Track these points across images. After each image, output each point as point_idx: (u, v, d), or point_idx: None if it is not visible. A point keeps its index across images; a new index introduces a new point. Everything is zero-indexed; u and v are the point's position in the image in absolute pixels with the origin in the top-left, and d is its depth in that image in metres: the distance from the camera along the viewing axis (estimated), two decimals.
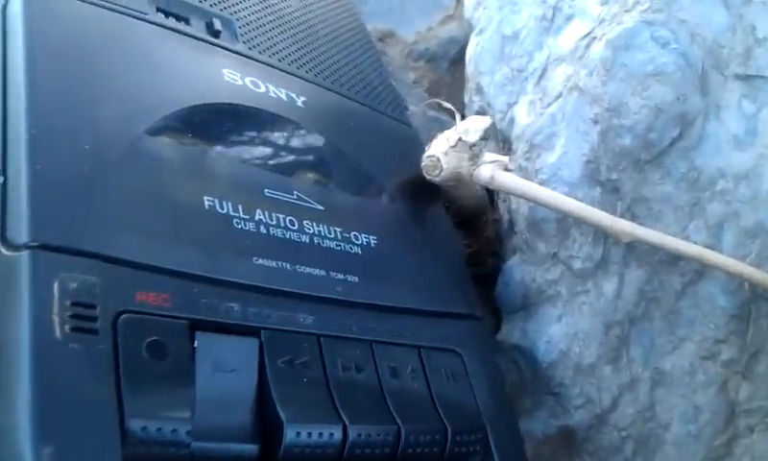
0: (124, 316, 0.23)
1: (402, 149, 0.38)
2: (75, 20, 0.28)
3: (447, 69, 0.61)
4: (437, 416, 0.29)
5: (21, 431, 0.19)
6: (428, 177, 0.37)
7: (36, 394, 0.20)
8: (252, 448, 0.24)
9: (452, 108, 0.43)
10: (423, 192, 0.37)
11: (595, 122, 0.38)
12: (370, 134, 0.37)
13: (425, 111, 0.51)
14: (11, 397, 0.20)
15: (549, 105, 0.42)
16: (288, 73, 0.35)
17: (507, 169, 0.37)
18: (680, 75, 0.37)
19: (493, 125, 0.38)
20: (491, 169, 0.36)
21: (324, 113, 0.35)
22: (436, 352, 0.31)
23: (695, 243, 0.38)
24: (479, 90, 0.49)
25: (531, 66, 0.45)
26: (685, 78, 0.37)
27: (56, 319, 0.21)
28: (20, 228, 0.22)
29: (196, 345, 0.24)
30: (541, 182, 0.39)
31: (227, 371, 0.24)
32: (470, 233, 0.48)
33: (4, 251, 0.22)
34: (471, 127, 0.37)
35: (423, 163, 0.37)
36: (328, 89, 0.37)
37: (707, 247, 0.38)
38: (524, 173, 0.41)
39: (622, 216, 0.38)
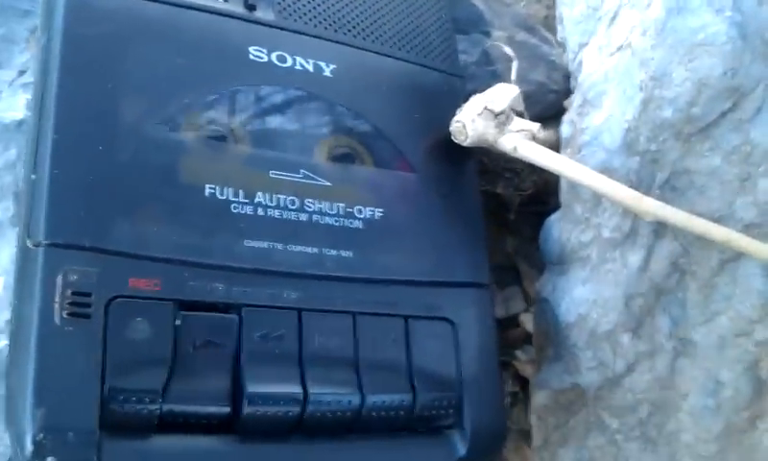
0: (116, 301, 0.28)
1: (443, 106, 0.39)
2: (112, 14, 0.32)
3: None
4: (408, 383, 0.33)
5: (26, 396, 0.26)
6: (455, 141, 0.38)
7: (36, 367, 0.26)
8: (222, 409, 0.29)
9: (512, 53, 0.42)
10: (452, 154, 0.38)
11: (640, 89, 0.37)
12: (403, 96, 0.38)
13: (513, 36, 0.50)
14: (22, 368, 0.27)
15: (611, 55, 0.40)
16: (322, 38, 0.37)
17: (534, 137, 0.37)
18: (730, 47, 0.34)
19: (519, 95, 0.38)
20: (514, 139, 0.37)
21: (353, 80, 0.37)
22: (424, 322, 0.34)
23: (742, 220, 0.36)
24: (561, 21, 0.47)
25: (605, 6, 0.42)
26: (737, 50, 0.34)
27: (56, 306, 0.27)
28: (39, 227, 0.28)
29: (178, 322, 0.29)
30: (583, 145, 0.39)
31: (207, 344, 0.29)
32: (537, 171, 0.48)
33: (28, 244, 0.28)
34: (498, 96, 0.37)
35: (451, 128, 0.38)
36: (365, 50, 0.38)
37: (754, 225, 0.36)
38: (573, 129, 0.41)
39: (660, 188, 0.37)
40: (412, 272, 0.35)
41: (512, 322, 0.48)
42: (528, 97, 0.48)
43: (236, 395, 0.29)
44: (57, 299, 0.27)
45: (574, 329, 0.39)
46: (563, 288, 0.40)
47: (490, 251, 0.49)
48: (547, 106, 0.49)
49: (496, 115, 0.37)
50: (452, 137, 0.38)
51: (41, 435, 0.26)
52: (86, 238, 0.28)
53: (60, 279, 0.27)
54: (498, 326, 0.48)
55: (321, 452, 0.31)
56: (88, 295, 0.28)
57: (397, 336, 0.33)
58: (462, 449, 0.33)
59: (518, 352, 0.47)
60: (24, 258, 0.29)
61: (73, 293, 0.28)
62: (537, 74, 0.49)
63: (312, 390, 0.30)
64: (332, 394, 0.31)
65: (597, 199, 0.38)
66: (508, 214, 0.48)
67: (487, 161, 0.49)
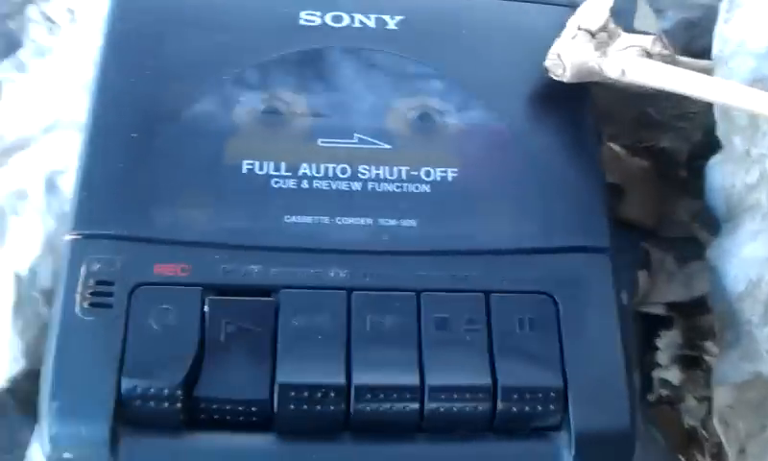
0: (140, 288, 0.26)
1: (544, 45, 0.32)
2: (154, 5, 0.32)
3: None
4: (488, 373, 0.26)
5: (46, 389, 0.25)
6: (555, 78, 0.31)
7: (56, 359, 0.26)
8: (256, 404, 0.26)
9: None
10: (557, 97, 0.32)
11: None
12: (491, 40, 0.32)
13: None
14: (46, 361, 0.26)
15: None
16: None
17: (648, 54, 0.29)
18: None
19: (647, 8, 0.30)
20: (621, 59, 0.29)
21: (424, 30, 0.32)
22: (512, 297, 0.28)
23: None
24: None
25: None
26: None
27: (78, 297, 0.26)
28: (70, 220, 0.28)
29: (206, 309, 0.26)
30: (729, 56, 0.30)
31: (239, 331, 0.26)
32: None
33: (64, 238, 0.28)
34: (592, 11, 0.29)
35: (545, 63, 0.31)
36: None
37: None
38: (721, 41, 0.31)
39: None
40: (497, 239, 0.29)
41: (698, 305, 0.38)
42: (693, 25, 0.39)
43: (272, 387, 0.26)
44: (80, 289, 0.26)
45: (747, 301, 0.30)
46: (729, 250, 0.31)
47: (666, 221, 0.41)
48: None
49: (594, 35, 0.29)
50: (550, 74, 0.31)
51: (55, 429, 0.25)
52: (113, 227, 0.28)
53: (83, 269, 0.27)
54: (681, 311, 0.39)
55: (374, 457, 0.26)
56: (111, 284, 0.26)
57: (475, 316, 0.27)
58: (567, 456, 0.26)
59: (708, 344, 0.37)
60: (61, 254, 0.28)
61: (96, 282, 0.26)
62: None
63: (359, 380, 0.26)
64: (385, 384, 0.26)
65: (755, 122, 0.29)
66: (679, 172, 0.39)
67: (653, 112, 0.40)
